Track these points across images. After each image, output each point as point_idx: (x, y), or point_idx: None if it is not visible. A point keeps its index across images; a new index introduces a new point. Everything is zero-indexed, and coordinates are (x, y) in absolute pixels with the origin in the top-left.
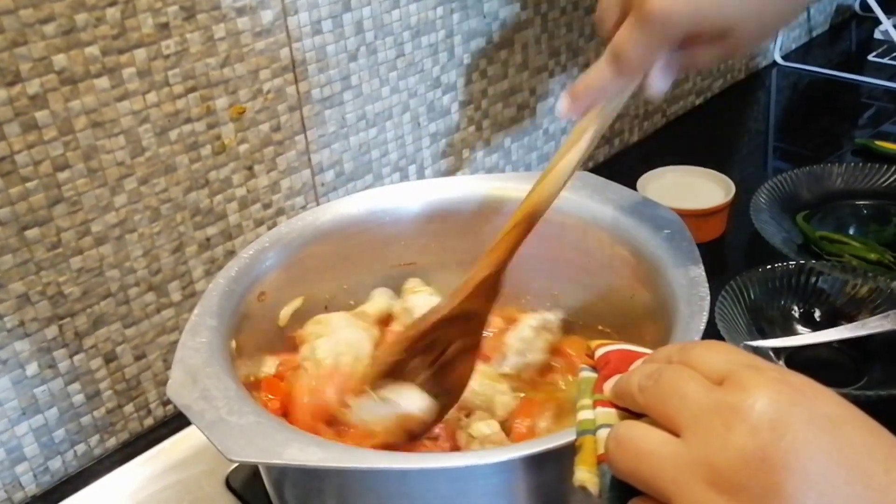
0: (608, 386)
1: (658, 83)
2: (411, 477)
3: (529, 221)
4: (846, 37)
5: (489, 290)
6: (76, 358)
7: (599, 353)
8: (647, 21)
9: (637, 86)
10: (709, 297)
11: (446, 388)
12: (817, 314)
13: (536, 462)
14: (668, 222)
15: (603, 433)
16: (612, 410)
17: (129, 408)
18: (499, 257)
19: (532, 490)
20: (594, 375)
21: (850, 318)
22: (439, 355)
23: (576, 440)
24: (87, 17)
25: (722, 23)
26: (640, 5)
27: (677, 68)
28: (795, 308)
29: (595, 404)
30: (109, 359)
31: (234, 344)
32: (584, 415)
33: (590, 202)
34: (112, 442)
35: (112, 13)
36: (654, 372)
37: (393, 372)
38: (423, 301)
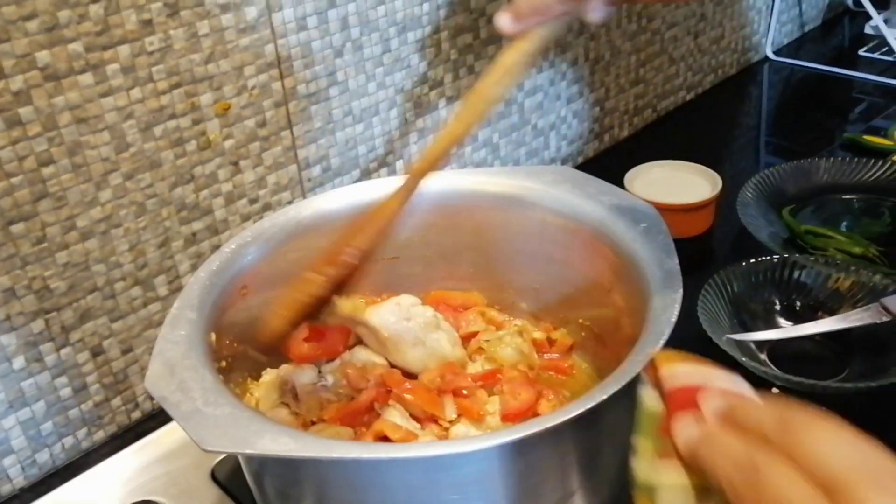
0: (677, 431)
1: (597, 11)
2: (384, 467)
3: (450, 149)
4: (838, 32)
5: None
6: (63, 351)
7: (667, 375)
8: None
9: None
10: (682, 291)
11: None
12: (799, 307)
13: (510, 451)
14: (646, 216)
15: (666, 501)
16: (679, 472)
17: (116, 401)
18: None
19: (505, 479)
20: (658, 408)
21: (832, 312)
22: None
23: (632, 490)
24: (70, 14)
25: None
26: None
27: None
28: (778, 301)
29: (659, 454)
30: (96, 352)
31: (213, 337)
32: (644, 465)
33: (570, 197)
34: (100, 435)
35: (95, 10)
36: (746, 464)
37: None
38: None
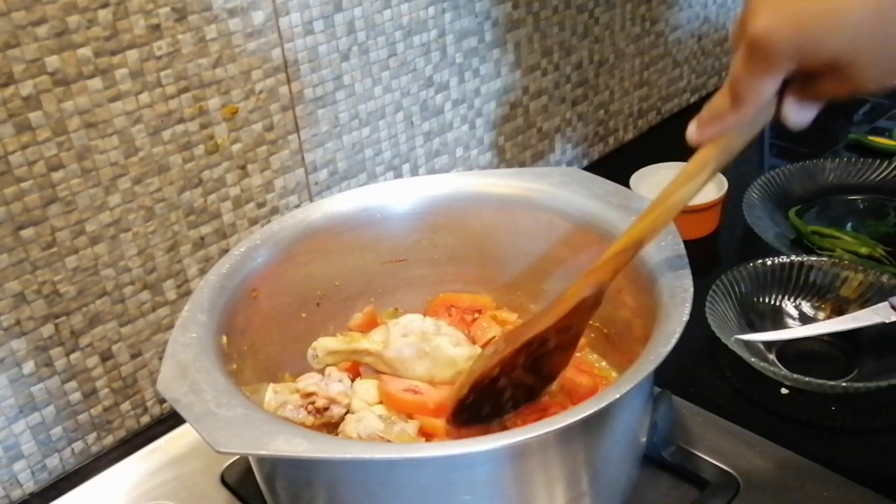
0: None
1: (792, 115)
2: (397, 467)
3: (635, 248)
4: None
5: (588, 309)
6: (72, 356)
7: None
8: (749, 48)
9: (769, 116)
10: (692, 289)
11: (541, 375)
12: (808, 308)
13: (521, 451)
14: None
15: None
16: None
17: (125, 405)
18: (601, 279)
19: (517, 479)
20: None
21: (840, 312)
22: (535, 350)
23: None
24: (79, 19)
25: (831, 53)
26: (744, 31)
27: (812, 99)
28: (786, 302)
29: None
30: (105, 357)
31: (224, 340)
32: None
33: (578, 198)
34: (109, 439)
35: (104, 15)
36: None
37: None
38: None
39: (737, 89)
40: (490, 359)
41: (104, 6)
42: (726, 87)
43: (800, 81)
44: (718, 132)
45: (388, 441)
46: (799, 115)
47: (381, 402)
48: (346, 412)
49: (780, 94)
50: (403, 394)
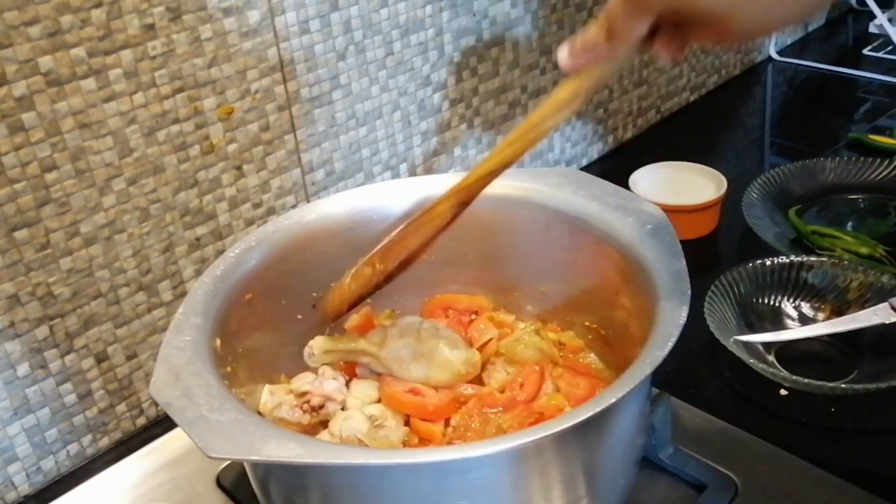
0: None
1: (663, 55)
2: (391, 472)
3: (502, 169)
4: (842, 31)
5: (446, 228)
6: (67, 358)
7: None
8: None
9: (631, 53)
10: (690, 291)
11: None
12: (807, 308)
13: (518, 455)
14: (652, 217)
15: None
16: None
17: (121, 407)
18: (465, 199)
19: (513, 484)
20: None
21: (840, 312)
22: None
23: None
24: (72, 19)
25: (707, 6)
26: None
27: (680, 43)
28: (786, 302)
29: None
30: (101, 359)
31: (218, 342)
32: None
33: (575, 199)
34: (104, 441)
35: (97, 14)
36: None
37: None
38: None
39: (612, 27)
40: (369, 280)
41: (98, 6)
42: (602, 21)
43: (670, 27)
44: (590, 62)
45: (365, 445)
46: (668, 55)
47: (378, 402)
48: (342, 409)
49: (654, 34)
50: (404, 395)
